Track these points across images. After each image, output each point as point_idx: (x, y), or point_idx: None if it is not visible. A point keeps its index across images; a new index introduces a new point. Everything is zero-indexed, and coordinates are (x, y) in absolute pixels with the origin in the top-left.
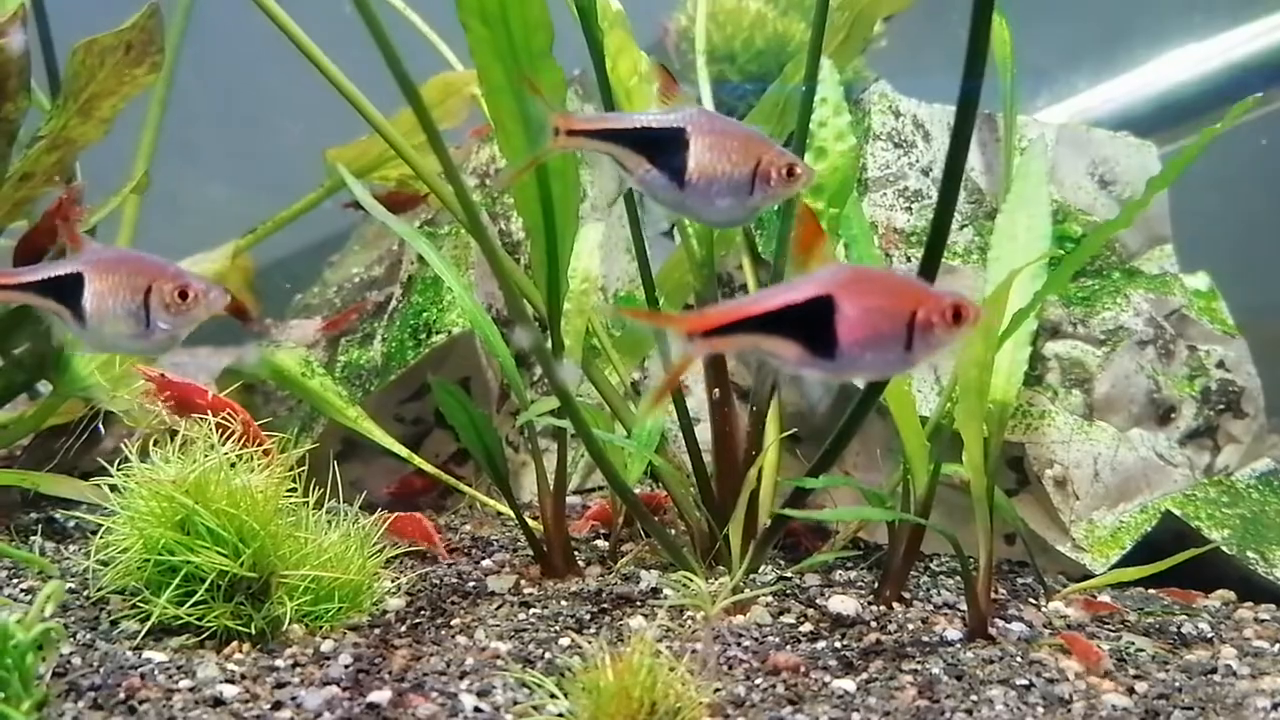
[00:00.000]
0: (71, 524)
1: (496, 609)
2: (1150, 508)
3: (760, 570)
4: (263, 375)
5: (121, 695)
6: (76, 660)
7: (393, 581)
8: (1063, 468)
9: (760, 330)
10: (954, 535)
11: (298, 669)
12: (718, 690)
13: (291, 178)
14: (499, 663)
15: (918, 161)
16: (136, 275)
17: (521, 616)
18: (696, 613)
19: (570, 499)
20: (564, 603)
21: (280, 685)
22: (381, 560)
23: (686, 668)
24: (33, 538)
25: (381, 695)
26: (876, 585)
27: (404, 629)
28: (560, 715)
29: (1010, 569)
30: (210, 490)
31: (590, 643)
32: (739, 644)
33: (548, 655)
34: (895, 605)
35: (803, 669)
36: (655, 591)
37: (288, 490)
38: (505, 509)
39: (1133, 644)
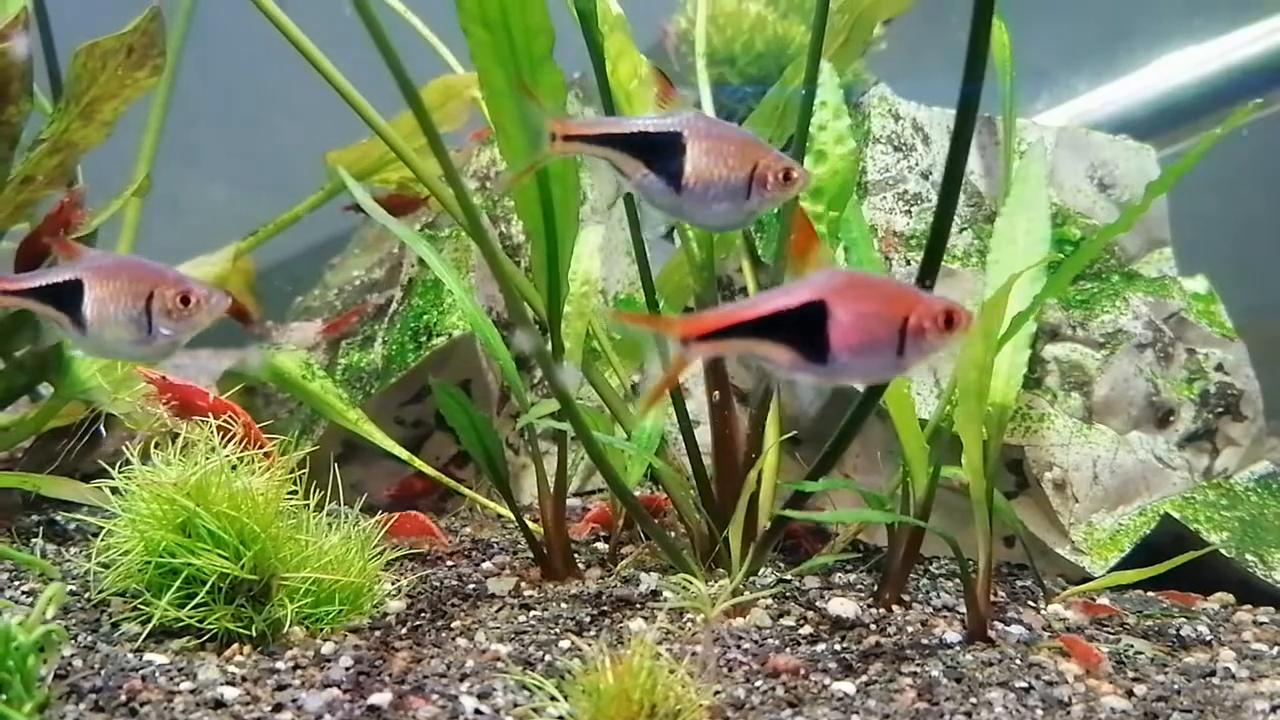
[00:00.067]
0: (73, 526)
1: (497, 611)
2: (1149, 510)
3: (760, 573)
4: (263, 378)
5: (123, 697)
6: (78, 662)
7: (393, 584)
8: (1062, 470)
9: (754, 335)
10: (953, 538)
11: (298, 671)
12: (717, 693)
13: (292, 180)
14: (499, 665)
15: (917, 165)
16: (138, 281)
17: (522, 619)
18: (696, 615)
19: (570, 501)
20: (564, 605)
21: (281, 687)
22: (382, 563)
23: (686, 670)
24: (34, 540)
25: (382, 697)
26: (876, 588)
27: (404, 631)
28: (560, 717)
29: (1009, 571)
30: (211, 493)
31: (590, 645)
32: (739, 646)
33: (548, 657)
34: (895, 608)
35: (802, 671)
36: (655, 594)
37: (288, 493)
38: (505, 511)
39: (1132, 646)
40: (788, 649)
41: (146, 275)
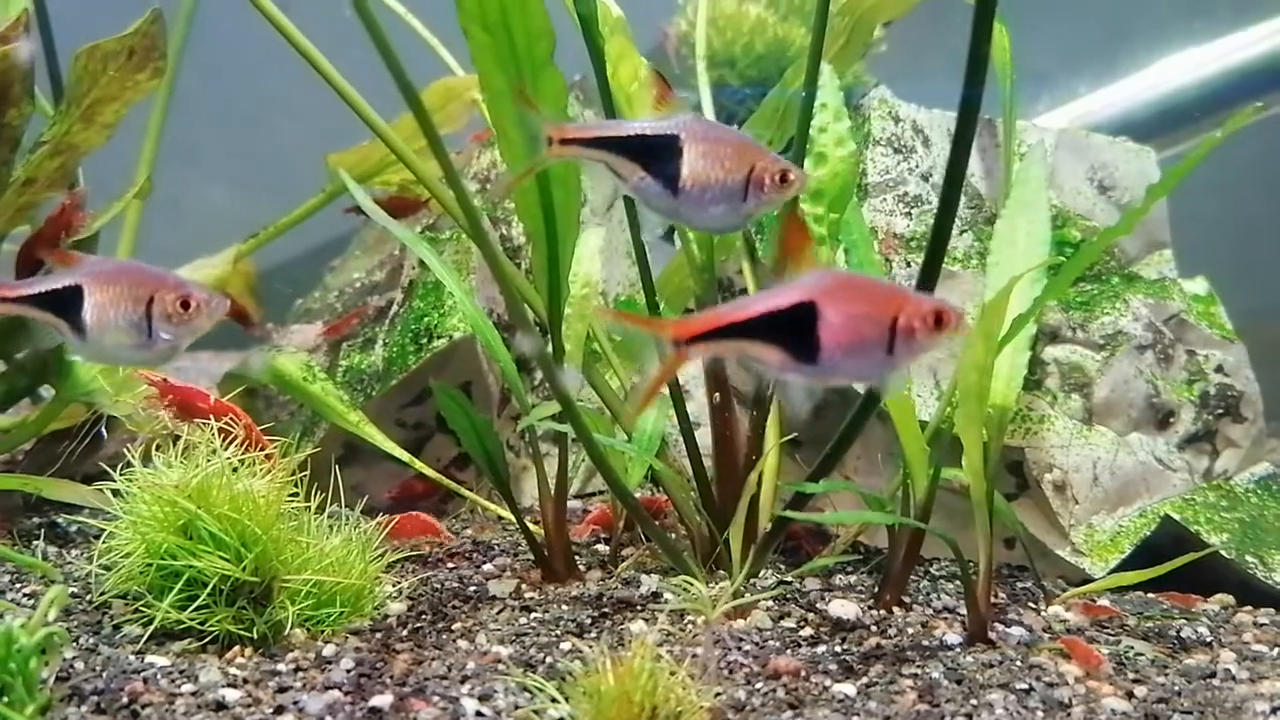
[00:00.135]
0: (74, 528)
1: (498, 613)
2: (1149, 512)
3: (760, 574)
4: (264, 380)
5: (124, 699)
6: (79, 665)
7: (394, 586)
8: (1062, 472)
9: (744, 336)
10: (954, 539)
11: (300, 673)
12: (718, 694)
13: (293, 182)
14: (500, 667)
15: (917, 167)
16: (138, 286)
17: (522, 621)
18: (697, 617)
19: (571, 503)
20: (565, 607)
21: (282, 689)
22: (383, 565)
23: (687, 672)
24: (35, 542)
25: (383, 700)
26: (876, 589)
27: (405, 633)
28: (561, 719)
29: (1010, 573)
30: (212, 495)
31: (591, 647)
32: (739, 648)
33: (549, 659)
34: (895, 609)
35: (803, 673)
36: (656, 596)
37: (290, 495)
38: (506, 513)
39: (1132, 648)
40: (788, 651)
41: (146, 280)
